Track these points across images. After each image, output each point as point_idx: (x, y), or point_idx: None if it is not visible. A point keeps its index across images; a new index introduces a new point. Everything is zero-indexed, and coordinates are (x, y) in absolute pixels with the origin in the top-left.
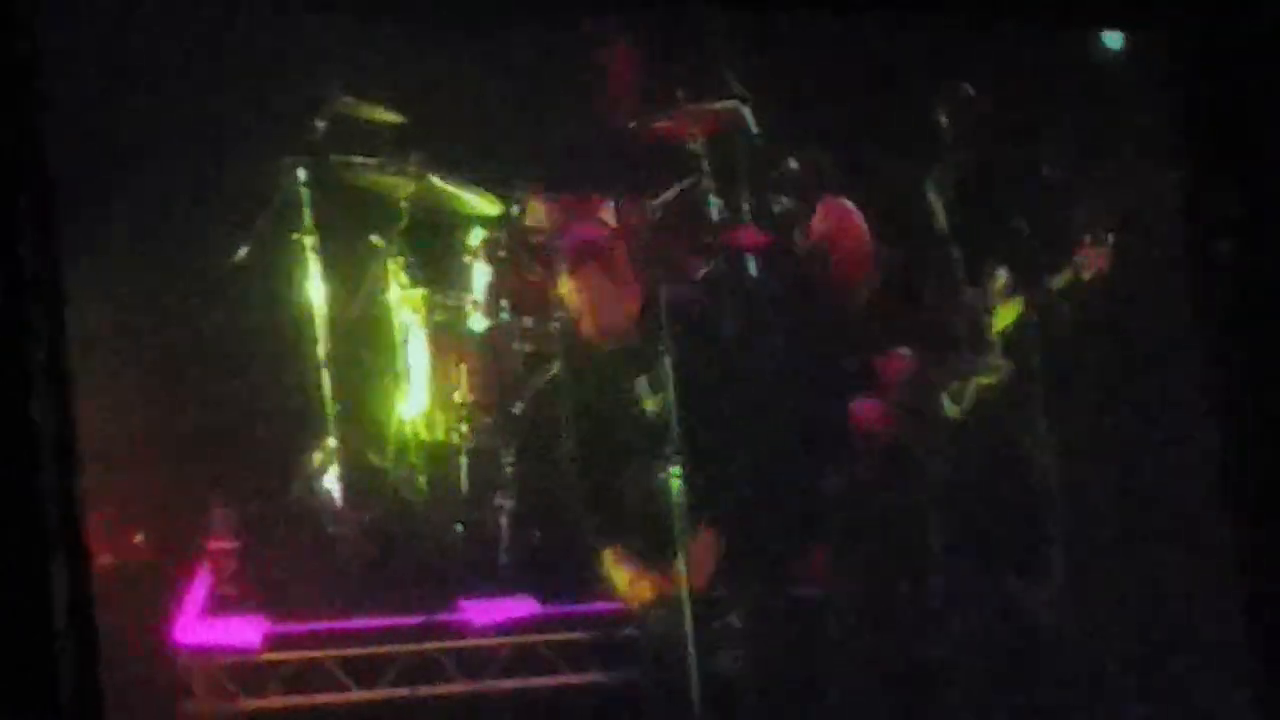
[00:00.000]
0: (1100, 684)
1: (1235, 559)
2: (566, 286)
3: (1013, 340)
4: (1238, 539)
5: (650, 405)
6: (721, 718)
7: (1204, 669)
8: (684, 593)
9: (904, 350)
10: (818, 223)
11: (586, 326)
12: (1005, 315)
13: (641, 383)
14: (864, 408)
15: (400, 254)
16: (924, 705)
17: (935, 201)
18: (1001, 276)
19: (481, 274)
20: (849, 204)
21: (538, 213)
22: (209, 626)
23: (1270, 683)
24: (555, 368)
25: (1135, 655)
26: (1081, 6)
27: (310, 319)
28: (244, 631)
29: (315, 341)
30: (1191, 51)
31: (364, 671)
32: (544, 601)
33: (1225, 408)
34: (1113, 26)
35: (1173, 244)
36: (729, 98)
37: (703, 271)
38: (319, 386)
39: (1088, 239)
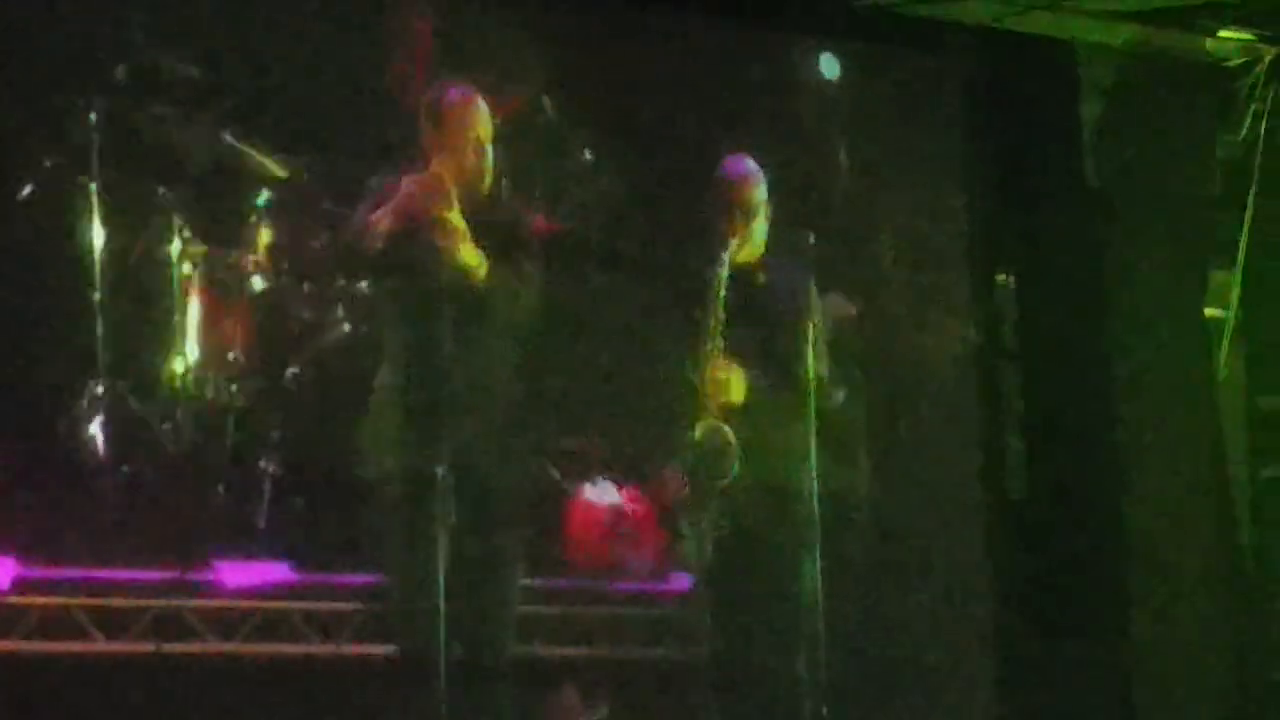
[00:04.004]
0: None
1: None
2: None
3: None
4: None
5: None
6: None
7: None
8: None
9: None
10: None
11: None
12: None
13: None
14: None
15: (185, 208)
16: None
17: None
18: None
19: (266, 235)
20: None
21: None
22: None
23: None
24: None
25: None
26: (874, 27)
27: (89, 264)
28: None
29: (92, 286)
30: (982, 84)
31: (112, 623)
32: (299, 569)
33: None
34: (912, 50)
35: (956, 273)
36: (530, 84)
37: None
38: (92, 332)
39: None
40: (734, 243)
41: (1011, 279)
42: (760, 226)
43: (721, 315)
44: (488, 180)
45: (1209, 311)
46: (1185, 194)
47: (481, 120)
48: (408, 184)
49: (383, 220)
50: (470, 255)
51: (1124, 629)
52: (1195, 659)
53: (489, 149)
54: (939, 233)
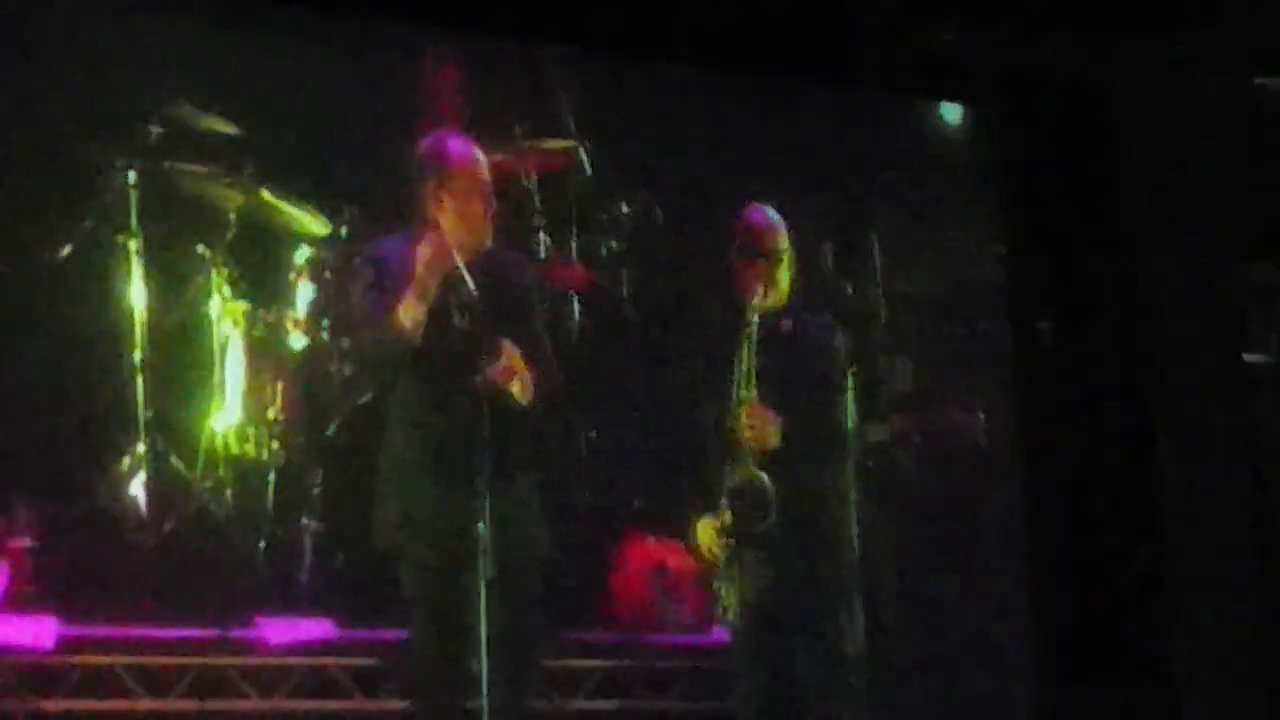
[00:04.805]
0: None
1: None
2: None
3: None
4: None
5: None
6: None
7: None
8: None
9: None
10: None
11: None
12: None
13: None
14: None
15: (225, 265)
16: None
17: None
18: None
19: (305, 292)
20: None
21: None
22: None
23: None
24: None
25: None
26: (914, 77)
27: (129, 323)
28: (36, 632)
29: (133, 346)
30: (1021, 132)
31: (155, 681)
32: (341, 625)
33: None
34: (945, 99)
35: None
36: (565, 137)
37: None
38: (133, 391)
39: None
40: (759, 289)
41: (1051, 325)
42: (784, 274)
43: (752, 362)
44: (490, 233)
45: (1248, 357)
46: (1223, 238)
47: (485, 170)
48: (421, 253)
49: (407, 310)
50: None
51: (1164, 663)
52: (1237, 687)
53: (492, 200)
54: (978, 279)
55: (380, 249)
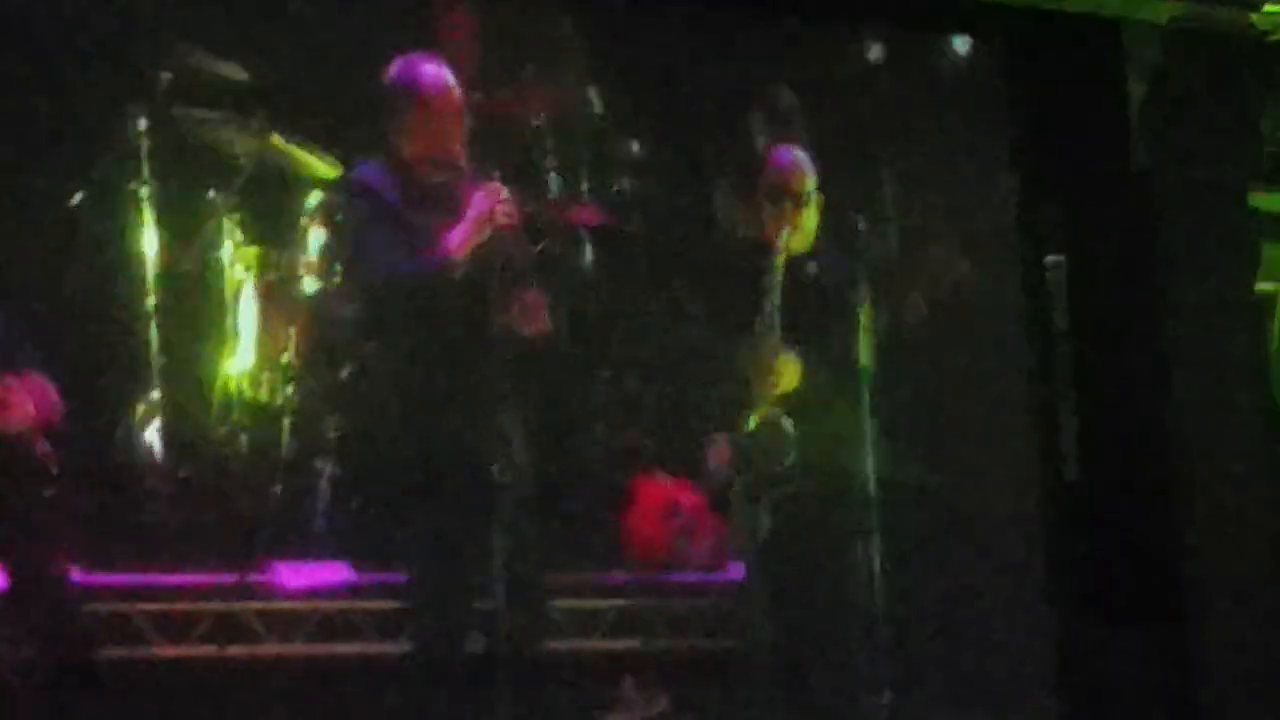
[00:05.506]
0: None
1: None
2: None
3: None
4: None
5: None
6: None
7: None
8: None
9: None
10: None
11: None
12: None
13: None
14: None
15: (236, 211)
16: None
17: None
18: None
19: (317, 237)
20: None
21: None
22: None
23: None
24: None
25: None
26: (917, 10)
27: (141, 270)
28: None
29: (145, 293)
30: (1027, 66)
31: (173, 627)
32: (358, 569)
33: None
34: (952, 33)
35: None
36: (577, 77)
37: (538, 248)
38: (146, 338)
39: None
40: (785, 232)
41: (1061, 261)
42: (810, 216)
43: (777, 304)
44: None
45: (1260, 286)
46: (1233, 170)
47: (456, 94)
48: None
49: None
50: None
51: (1182, 613)
52: (1256, 642)
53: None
54: (987, 216)
55: (364, 178)
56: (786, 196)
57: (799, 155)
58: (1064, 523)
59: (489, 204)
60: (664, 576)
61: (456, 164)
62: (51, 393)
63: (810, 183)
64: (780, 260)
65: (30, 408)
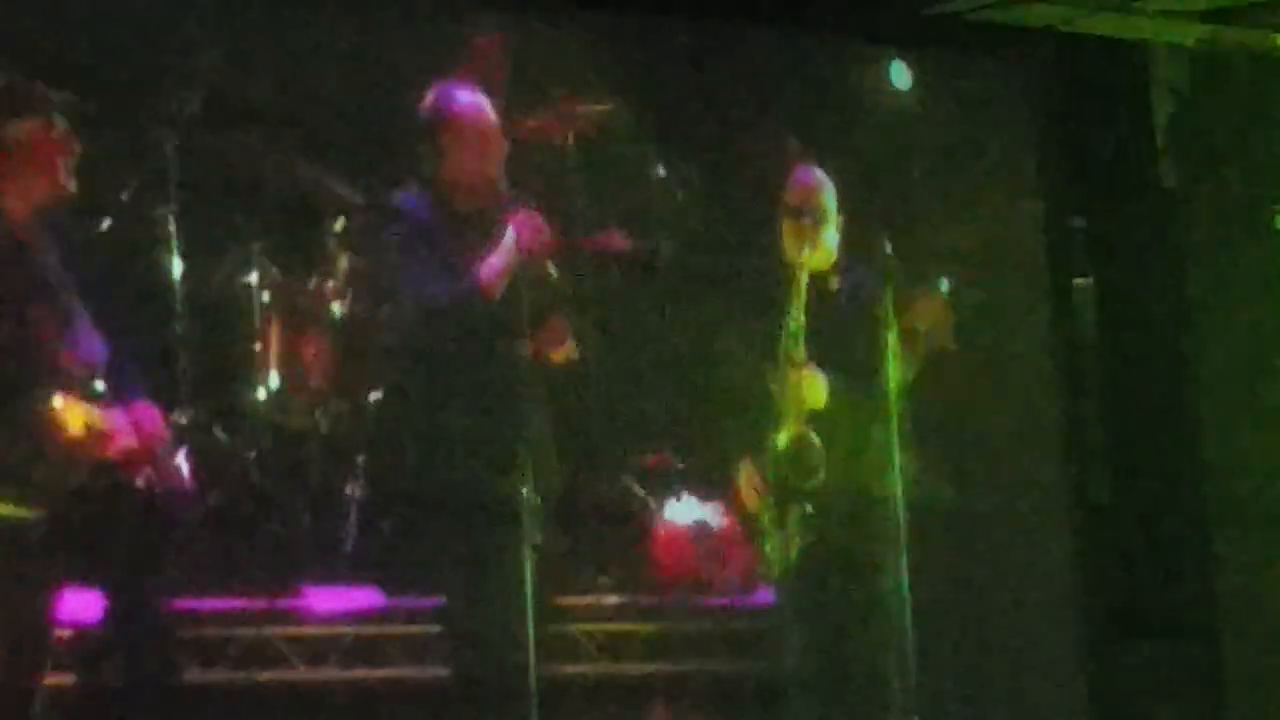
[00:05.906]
0: None
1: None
2: None
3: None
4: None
5: None
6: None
7: None
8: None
9: None
10: None
11: None
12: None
13: None
14: None
15: (263, 236)
16: None
17: None
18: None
19: (344, 261)
20: None
21: None
22: None
23: None
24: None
25: None
26: (944, 33)
27: (170, 294)
28: (84, 606)
29: (173, 317)
30: (1054, 88)
31: (201, 653)
32: (388, 593)
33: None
34: (978, 54)
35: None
36: (604, 100)
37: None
38: (174, 362)
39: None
40: (807, 250)
41: (1090, 281)
42: (831, 233)
43: (801, 321)
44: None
45: None
46: (1260, 190)
47: (492, 119)
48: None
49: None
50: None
51: (1213, 630)
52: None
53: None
54: (1016, 237)
55: (401, 204)
56: (806, 214)
57: (818, 174)
58: (1094, 541)
59: (526, 231)
60: (694, 600)
61: (494, 192)
62: (158, 423)
63: (830, 200)
64: (804, 278)
65: (132, 437)
